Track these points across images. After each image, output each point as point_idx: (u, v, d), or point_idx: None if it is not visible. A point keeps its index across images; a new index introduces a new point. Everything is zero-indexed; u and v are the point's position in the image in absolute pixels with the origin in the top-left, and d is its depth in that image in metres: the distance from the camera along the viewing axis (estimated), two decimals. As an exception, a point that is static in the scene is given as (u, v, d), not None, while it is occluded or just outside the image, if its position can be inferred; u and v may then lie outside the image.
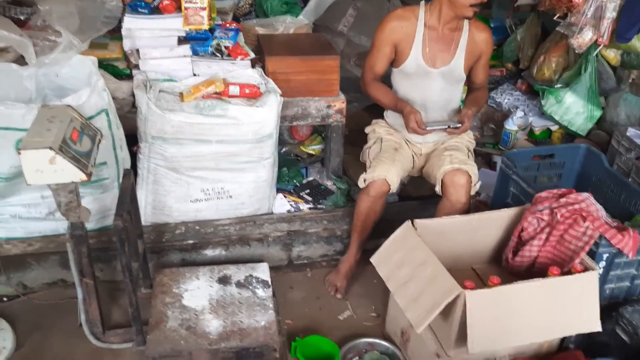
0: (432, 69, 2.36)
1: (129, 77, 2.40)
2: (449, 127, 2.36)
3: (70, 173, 1.71)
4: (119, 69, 2.46)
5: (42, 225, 2.30)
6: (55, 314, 2.27)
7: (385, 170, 2.25)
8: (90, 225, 2.27)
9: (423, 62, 2.35)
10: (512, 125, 2.92)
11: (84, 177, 1.73)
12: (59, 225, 2.29)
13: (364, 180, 2.29)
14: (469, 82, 2.52)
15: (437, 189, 2.29)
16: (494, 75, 3.32)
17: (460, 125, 2.34)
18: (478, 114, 2.72)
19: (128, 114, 2.39)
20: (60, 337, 2.17)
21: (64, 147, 1.71)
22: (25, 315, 2.26)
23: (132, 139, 2.37)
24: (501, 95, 3.12)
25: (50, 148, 1.66)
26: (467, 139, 2.50)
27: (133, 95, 2.33)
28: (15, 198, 2.20)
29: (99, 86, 2.09)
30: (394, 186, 2.27)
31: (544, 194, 2.00)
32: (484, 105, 2.54)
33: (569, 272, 1.81)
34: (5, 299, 2.36)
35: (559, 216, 1.90)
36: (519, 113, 2.94)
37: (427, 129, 2.30)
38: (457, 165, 2.24)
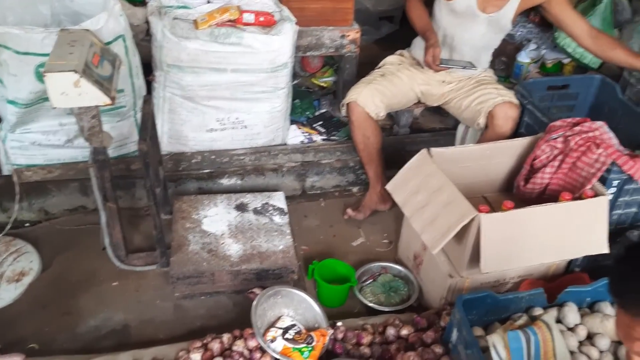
0: (481, 13, 2.29)
1: (143, 3, 2.36)
2: (464, 67, 2.34)
3: (94, 97, 1.72)
4: (133, -5, 2.43)
5: (61, 153, 2.33)
6: (78, 238, 2.34)
7: (356, 93, 2.28)
8: (108, 152, 2.30)
9: (475, 4, 2.27)
10: (524, 57, 2.91)
11: (108, 100, 1.74)
12: (78, 152, 2.32)
13: (342, 107, 2.33)
14: (575, 37, 2.33)
15: (482, 121, 2.29)
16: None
17: (476, 68, 2.34)
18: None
19: (142, 41, 2.37)
20: (85, 259, 2.25)
21: (87, 70, 1.71)
22: (49, 239, 2.34)
23: (146, 68, 2.36)
24: (514, 27, 3.08)
25: (75, 71, 1.67)
26: (491, 76, 2.49)
27: (147, 22, 2.31)
28: (34, 125, 2.22)
29: (116, 10, 2.06)
30: (370, 109, 2.27)
31: (558, 122, 2.03)
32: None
33: (580, 198, 1.88)
34: (27, 224, 2.42)
35: (572, 143, 1.94)
36: (532, 45, 2.92)
37: (442, 66, 2.27)
38: (507, 98, 2.26)
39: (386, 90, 2.35)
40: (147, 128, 1.95)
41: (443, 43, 2.38)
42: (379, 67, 2.49)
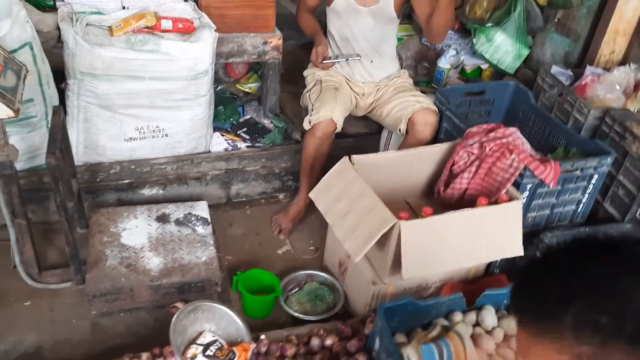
0: (362, 7, 2.36)
1: (53, 9, 2.24)
2: (347, 60, 2.44)
3: (-6, 109, 1.62)
4: (42, 0, 2.29)
5: (-34, 166, 2.18)
6: (-14, 256, 2.19)
7: (329, 110, 2.27)
8: (19, 165, 2.16)
9: (353, 0, 2.35)
10: (444, 63, 2.99)
11: (11, 113, 1.64)
12: (-16, 166, 2.18)
13: (309, 122, 2.30)
14: (420, 22, 2.42)
15: (402, 127, 2.34)
16: (429, 13, 3.35)
17: (359, 58, 2.41)
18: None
19: (54, 48, 2.25)
20: (-6, 279, 2.11)
21: (-15, 81, 1.61)
22: (-46, 258, 2.18)
23: (59, 76, 2.25)
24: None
25: (-29, 82, 1.56)
26: (408, 80, 2.56)
27: (58, 28, 2.19)
28: None
29: (20, 17, 1.95)
30: (339, 125, 2.31)
31: (474, 128, 2.10)
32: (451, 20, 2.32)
33: (496, 202, 1.94)
34: None
35: (487, 149, 2.01)
36: (452, 52, 3.01)
37: (325, 62, 2.39)
38: (425, 105, 2.33)
39: (344, 105, 2.40)
40: (57, 140, 1.85)
41: (344, 46, 2.47)
42: (315, 83, 2.48)
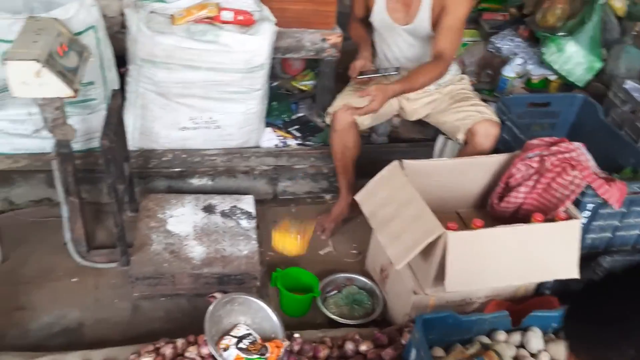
0: (397, 25, 2.25)
1: (120, -5, 2.31)
2: (383, 75, 2.28)
3: (56, 88, 1.67)
4: (110, -14, 2.37)
5: (29, 143, 2.27)
6: (40, 230, 2.27)
7: (344, 100, 2.22)
8: (77, 145, 2.24)
9: (387, 17, 2.24)
10: (510, 72, 2.87)
11: (70, 93, 1.69)
12: (45, 143, 2.25)
13: (327, 115, 2.27)
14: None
15: (461, 137, 2.22)
16: (495, 19, 3.24)
17: (397, 73, 2.26)
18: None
19: (117, 34, 2.32)
20: (45, 253, 2.19)
21: (50, 60, 1.66)
22: (11, 230, 2.27)
23: (120, 61, 2.31)
24: (501, 40, 3.04)
25: (37, 60, 1.62)
26: (468, 87, 2.43)
27: (123, 14, 2.25)
28: (1, 113, 2.17)
29: (87, 1, 2.01)
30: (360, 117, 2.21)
31: (535, 141, 1.99)
32: (426, 84, 2.20)
33: (553, 220, 1.83)
34: (-10, 214, 2.36)
35: (548, 164, 1.90)
36: (518, 60, 2.88)
37: (359, 77, 2.23)
38: (487, 116, 2.19)
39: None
40: (112, 123, 1.90)
41: (386, 60, 2.36)
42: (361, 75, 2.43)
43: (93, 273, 2.14)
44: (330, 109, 2.25)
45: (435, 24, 2.17)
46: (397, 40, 2.30)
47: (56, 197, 2.32)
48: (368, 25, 2.36)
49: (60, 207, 2.02)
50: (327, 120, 2.28)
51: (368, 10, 2.30)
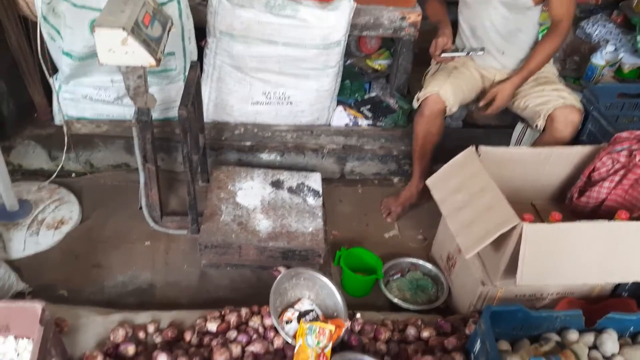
0: None
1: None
2: (468, 53, 2.23)
3: (140, 56, 1.71)
4: (193, -42, 2.40)
5: (110, 109, 2.37)
6: (118, 194, 2.38)
7: (438, 85, 2.15)
8: (154, 114, 2.31)
9: None
10: (599, 59, 2.69)
11: (153, 62, 1.73)
12: (126, 111, 2.35)
13: (417, 99, 2.21)
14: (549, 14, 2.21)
15: (540, 123, 2.14)
16: (587, 3, 3.03)
17: (482, 52, 2.20)
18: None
19: (198, 5, 2.34)
20: (122, 216, 2.29)
21: (136, 29, 1.70)
22: (91, 192, 2.39)
23: (200, 33, 2.35)
24: (592, 26, 2.86)
25: (123, 29, 1.66)
26: (552, 71, 2.32)
27: (205, -14, 2.28)
28: (86, 79, 2.26)
29: (171, -28, 2.04)
30: (450, 103, 2.16)
31: (625, 134, 1.87)
32: (548, 60, 2.20)
33: (638, 218, 1.72)
34: (73, 174, 2.49)
35: (638, 159, 1.78)
36: (610, 47, 2.70)
37: (442, 55, 2.18)
38: (569, 101, 2.10)
39: (462, 85, 2.25)
40: (190, 94, 1.93)
41: (473, 37, 2.29)
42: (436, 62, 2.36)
43: (164, 238, 2.22)
44: (422, 94, 2.19)
45: None
46: (491, 14, 2.20)
47: (134, 163, 2.43)
48: (444, 2, 2.32)
49: (138, 173, 2.09)
50: (415, 104, 2.23)
51: None
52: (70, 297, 1.97)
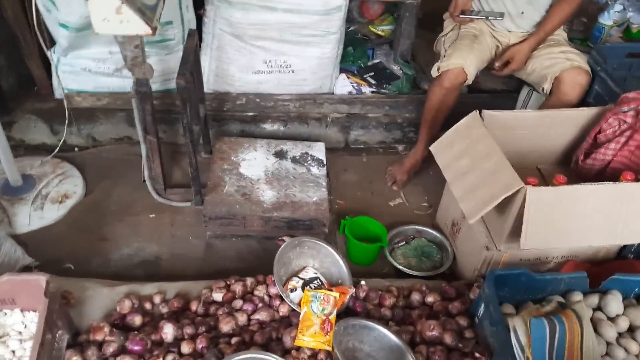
0: None
1: None
2: (487, 18, 2.18)
3: (135, 25, 1.68)
4: None
5: (110, 81, 2.35)
6: (121, 167, 2.38)
7: (462, 58, 2.10)
8: (154, 86, 2.30)
9: None
10: (607, 19, 2.62)
11: (149, 30, 1.69)
12: (126, 83, 2.32)
13: (438, 69, 2.15)
14: None
15: (547, 86, 2.12)
16: (595, -38, 2.95)
17: (502, 18, 2.16)
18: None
19: (196, -27, 2.31)
20: (126, 188, 2.29)
21: (130, -3, 1.67)
22: (94, 165, 2.39)
23: (199, 1, 2.31)
24: (600, -16, 2.79)
25: (122, -3, 1.63)
26: (560, 34, 2.27)
27: (202, -47, 2.24)
28: (84, 51, 2.24)
29: (167, -62, 1.99)
30: (471, 76, 2.13)
31: (632, 94, 1.83)
32: (563, 23, 2.23)
33: (644, 180, 1.70)
34: (76, 148, 2.49)
35: (644, 119, 1.75)
36: (617, 6, 2.62)
37: (462, 16, 2.14)
38: (577, 63, 2.08)
39: (482, 56, 2.21)
40: (188, 63, 1.91)
41: None
42: (452, 27, 2.29)
43: (169, 210, 2.22)
44: (444, 65, 2.13)
45: None
46: None
47: (136, 136, 2.41)
48: None
49: (140, 145, 2.08)
50: (434, 73, 2.18)
51: None
52: (76, 270, 1.98)
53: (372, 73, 2.61)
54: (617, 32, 2.66)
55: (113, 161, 2.42)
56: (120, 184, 2.31)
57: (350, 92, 2.54)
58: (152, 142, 2.06)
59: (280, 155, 2.30)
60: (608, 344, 1.60)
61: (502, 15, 2.17)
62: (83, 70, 2.30)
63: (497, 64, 2.22)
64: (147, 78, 1.88)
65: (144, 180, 2.20)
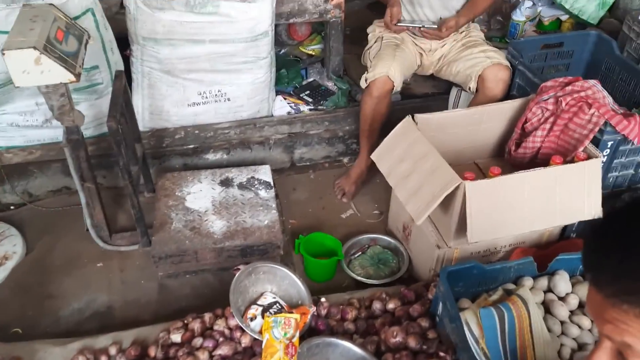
0: None
1: (115, -25, 2.28)
2: (422, 27, 2.29)
3: (57, 74, 1.66)
4: (103, -34, 2.33)
5: (41, 133, 2.28)
6: (62, 219, 2.30)
7: (386, 67, 2.18)
8: (88, 131, 2.26)
9: None
10: (519, 16, 2.77)
11: (72, 77, 1.67)
12: (57, 132, 2.26)
13: (366, 80, 2.23)
14: None
15: (472, 85, 2.23)
16: (502, -37, 3.12)
17: (436, 27, 2.27)
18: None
19: (117, 15, 2.30)
20: (69, 241, 2.22)
21: (48, 46, 1.64)
22: (33, 221, 2.30)
23: (124, 43, 2.29)
24: (509, -16, 2.94)
25: (34, 48, 1.60)
26: (478, 35, 2.40)
27: (120, -6, 2.22)
28: (10, 106, 2.18)
29: (81, -17, 1.98)
30: (397, 83, 2.21)
31: (549, 83, 1.93)
32: (484, 12, 2.43)
33: (572, 161, 1.79)
34: (12, 207, 2.39)
35: (564, 104, 1.85)
36: (527, 3, 2.78)
37: (399, 25, 2.26)
38: (496, 60, 2.19)
39: (405, 63, 2.30)
40: (118, 104, 1.89)
41: (409, 2, 2.34)
42: (375, 40, 2.39)
43: (117, 256, 2.16)
44: (370, 75, 2.20)
45: None
46: None
47: (74, 185, 2.34)
48: None
49: (78, 194, 2.03)
50: (363, 84, 2.25)
51: None
52: (25, 333, 1.88)
53: (308, 92, 2.65)
54: (531, 26, 2.81)
55: (53, 214, 2.34)
56: (62, 237, 2.24)
57: (289, 113, 2.57)
58: (90, 190, 2.01)
59: (226, 183, 2.28)
60: (562, 323, 1.66)
61: (435, 24, 2.29)
62: (10, 125, 2.23)
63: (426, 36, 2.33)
64: (78, 125, 1.84)
65: (87, 230, 2.14)
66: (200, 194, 2.23)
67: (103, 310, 1.98)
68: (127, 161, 1.89)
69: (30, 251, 2.18)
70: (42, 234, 2.25)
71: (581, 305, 1.70)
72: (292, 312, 1.71)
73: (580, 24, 2.76)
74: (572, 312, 1.69)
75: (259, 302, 1.79)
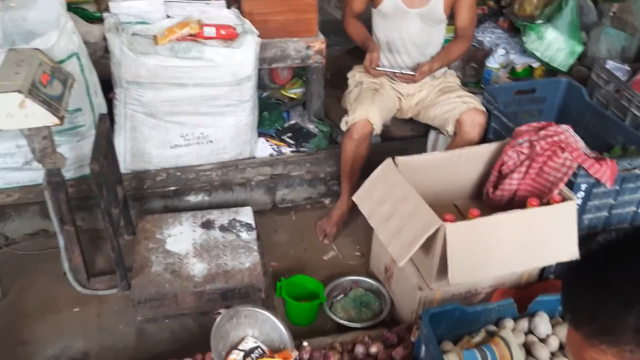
0: (410, 9, 2.31)
1: (100, 20, 2.31)
2: (400, 72, 2.38)
3: (41, 117, 1.67)
4: (89, 12, 2.37)
5: (20, 176, 2.26)
6: (38, 263, 2.26)
7: (365, 110, 2.23)
8: (69, 173, 2.24)
9: (400, 2, 2.31)
10: (493, 63, 2.89)
11: (56, 121, 1.68)
12: (37, 175, 2.24)
13: (346, 123, 2.28)
14: (454, 26, 2.45)
15: (450, 129, 2.30)
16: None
17: (412, 73, 2.35)
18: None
19: (101, 59, 2.32)
20: (45, 285, 2.17)
21: (33, 90, 1.66)
22: (8, 265, 2.25)
23: (108, 86, 2.31)
24: (482, 33, 3.07)
25: (19, 91, 1.61)
26: (454, 80, 2.49)
27: (105, 39, 2.25)
28: (-11, 148, 2.16)
29: (68, 28, 2.01)
30: (377, 126, 2.26)
31: (523, 127, 2.00)
32: (457, 58, 2.53)
33: (548, 203, 1.84)
34: (-13, 250, 2.34)
35: (538, 148, 1.91)
36: (501, 51, 2.91)
37: (377, 69, 2.33)
38: (472, 105, 2.27)
39: (384, 106, 2.35)
40: (101, 147, 1.89)
41: (388, 50, 2.43)
42: (355, 85, 2.46)
43: (95, 301, 2.12)
44: (350, 119, 2.25)
45: (447, 7, 2.32)
46: (408, 26, 2.35)
47: (52, 228, 2.31)
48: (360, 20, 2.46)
49: (57, 237, 2.00)
50: (343, 127, 2.30)
51: (371, 3, 2.38)
52: (-3, 383, 1.83)
53: (290, 134, 2.69)
54: (504, 73, 2.93)
55: (29, 258, 2.30)
56: (38, 281, 2.19)
57: (271, 154, 2.60)
58: (70, 232, 1.99)
59: (207, 225, 2.28)
60: (544, 364, 1.66)
61: (413, 71, 2.37)
62: (-11, 167, 2.20)
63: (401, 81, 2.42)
64: (59, 168, 1.84)
65: (65, 273, 2.09)
66: (181, 237, 2.21)
67: (78, 357, 1.93)
68: (108, 204, 1.88)
69: (4, 296, 2.13)
70: (17, 278, 2.20)
71: (562, 347, 1.72)
72: (273, 357, 1.70)
73: (551, 71, 2.88)
74: (552, 354, 1.70)
75: (240, 347, 1.76)
